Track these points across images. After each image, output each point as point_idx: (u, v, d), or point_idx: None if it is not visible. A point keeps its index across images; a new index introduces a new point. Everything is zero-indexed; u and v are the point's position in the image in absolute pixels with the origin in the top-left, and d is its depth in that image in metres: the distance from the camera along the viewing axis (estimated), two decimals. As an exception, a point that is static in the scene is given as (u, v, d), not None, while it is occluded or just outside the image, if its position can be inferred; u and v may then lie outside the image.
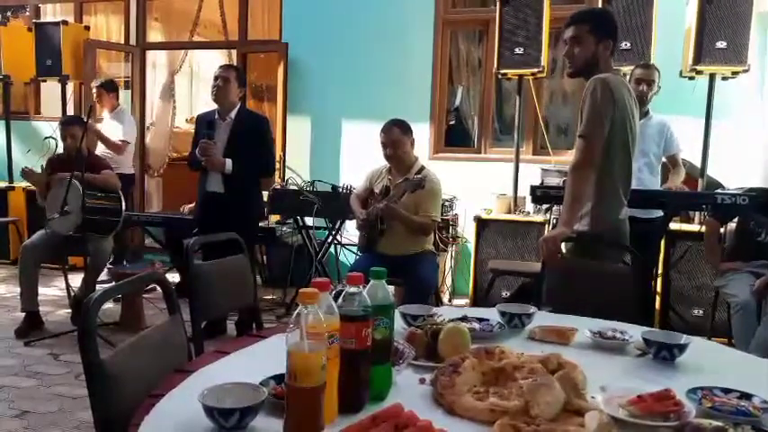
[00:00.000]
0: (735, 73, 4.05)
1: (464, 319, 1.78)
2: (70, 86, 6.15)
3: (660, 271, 4.09)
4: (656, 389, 1.25)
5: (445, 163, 5.18)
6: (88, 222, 3.95)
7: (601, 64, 2.48)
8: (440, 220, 3.77)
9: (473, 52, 5.71)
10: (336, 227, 4.74)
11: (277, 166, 4.53)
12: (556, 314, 2.00)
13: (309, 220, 4.76)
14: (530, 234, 4.45)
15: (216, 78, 3.86)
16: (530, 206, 4.61)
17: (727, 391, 1.32)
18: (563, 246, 2.48)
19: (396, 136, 3.56)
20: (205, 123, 3.87)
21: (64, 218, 3.93)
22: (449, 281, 5.10)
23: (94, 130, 5.01)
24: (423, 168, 3.61)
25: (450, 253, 5.03)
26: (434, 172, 3.64)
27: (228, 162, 3.79)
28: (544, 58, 4.44)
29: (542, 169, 4.66)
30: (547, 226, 4.35)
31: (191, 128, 6.28)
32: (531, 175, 4.60)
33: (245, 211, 3.89)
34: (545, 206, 4.42)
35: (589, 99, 2.40)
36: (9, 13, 7.15)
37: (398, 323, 1.67)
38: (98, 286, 4.25)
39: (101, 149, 5.17)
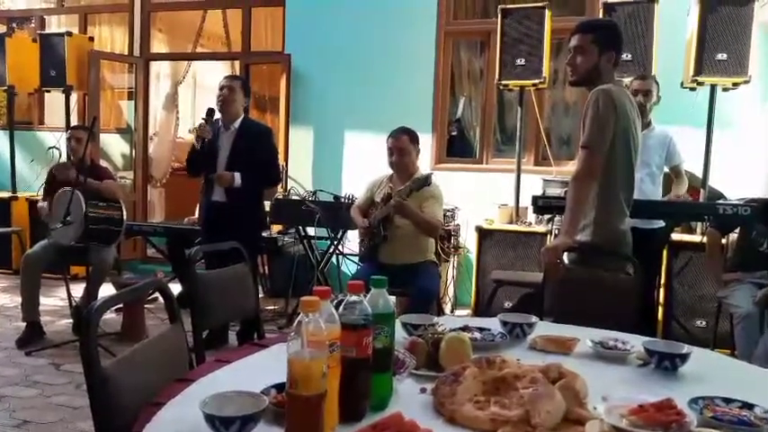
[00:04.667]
0: (736, 84, 4.04)
1: (465, 328, 1.78)
2: (74, 97, 6.17)
3: (662, 282, 4.08)
4: (657, 399, 1.25)
5: (447, 173, 5.18)
6: (90, 232, 3.94)
7: (603, 75, 2.49)
8: (443, 224, 3.76)
9: (475, 63, 5.74)
10: (338, 237, 4.74)
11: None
12: (557, 324, 2.00)
13: (311, 230, 4.77)
14: (532, 244, 4.44)
15: (221, 88, 3.87)
16: (531, 216, 4.60)
17: (728, 400, 1.32)
18: (565, 256, 2.48)
19: (404, 143, 3.58)
20: (206, 110, 3.91)
21: (66, 228, 3.93)
22: (451, 291, 5.09)
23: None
24: None
25: (452, 263, 5.03)
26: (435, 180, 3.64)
27: (237, 176, 3.80)
28: (545, 69, 4.45)
29: (544, 180, 4.66)
30: (549, 236, 4.34)
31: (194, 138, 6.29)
32: (533, 185, 4.60)
33: (249, 220, 3.89)
34: (547, 216, 4.41)
35: (591, 109, 2.41)
36: (14, 25, 7.20)
37: (400, 332, 1.66)
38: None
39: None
